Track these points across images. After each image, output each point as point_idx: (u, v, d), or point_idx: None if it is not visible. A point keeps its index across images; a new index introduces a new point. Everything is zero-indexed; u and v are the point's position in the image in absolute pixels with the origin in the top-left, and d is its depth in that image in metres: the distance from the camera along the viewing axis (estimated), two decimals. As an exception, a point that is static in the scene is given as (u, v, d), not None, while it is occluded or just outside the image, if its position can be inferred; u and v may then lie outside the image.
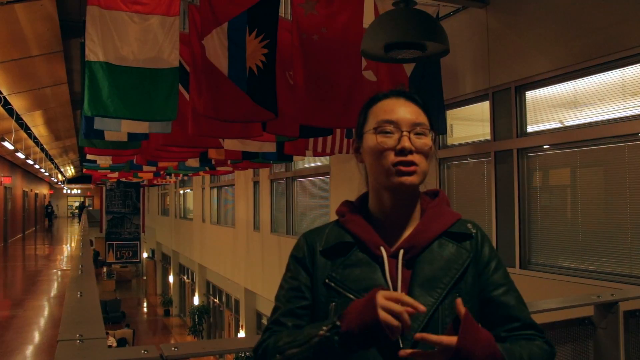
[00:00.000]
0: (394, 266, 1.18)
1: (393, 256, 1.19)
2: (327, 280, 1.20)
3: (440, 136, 5.43)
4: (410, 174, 1.18)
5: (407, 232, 1.24)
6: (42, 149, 16.70)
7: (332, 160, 8.22)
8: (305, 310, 1.23)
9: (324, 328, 1.08)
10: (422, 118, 1.22)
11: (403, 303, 1.03)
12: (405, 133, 1.19)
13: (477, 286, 1.21)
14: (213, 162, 7.95)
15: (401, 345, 1.11)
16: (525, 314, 1.21)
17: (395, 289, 1.16)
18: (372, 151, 1.22)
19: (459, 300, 1.10)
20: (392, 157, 1.18)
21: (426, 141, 1.20)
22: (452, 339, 1.05)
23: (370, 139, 1.22)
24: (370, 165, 1.24)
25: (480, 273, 1.22)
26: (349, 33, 4.03)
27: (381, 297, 1.04)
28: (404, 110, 1.22)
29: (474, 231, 1.25)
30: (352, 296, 1.16)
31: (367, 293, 1.11)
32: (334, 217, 1.34)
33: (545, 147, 4.57)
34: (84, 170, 13.70)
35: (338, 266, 1.21)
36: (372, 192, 1.28)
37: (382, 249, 1.19)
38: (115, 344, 15.74)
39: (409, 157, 1.18)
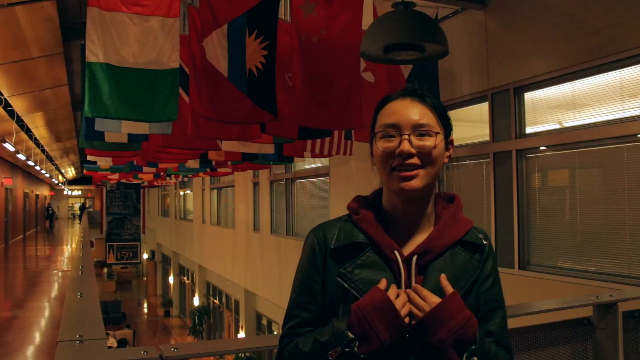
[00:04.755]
0: (406, 271, 1.17)
1: (405, 261, 1.18)
2: (337, 278, 1.19)
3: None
4: (410, 178, 1.16)
5: (420, 236, 1.22)
6: (43, 151, 16.71)
7: (332, 162, 8.23)
8: (319, 315, 1.22)
9: (339, 347, 1.09)
10: (428, 118, 1.19)
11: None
12: (405, 136, 1.16)
13: (476, 297, 1.21)
14: (213, 164, 7.96)
15: (410, 348, 1.12)
16: (503, 335, 1.22)
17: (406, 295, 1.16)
18: (376, 156, 1.21)
19: (443, 278, 1.13)
20: (393, 162, 1.17)
21: (429, 142, 1.17)
22: (437, 298, 1.10)
23: (375, 144, 1.21)
24: (378, 170, 1.23)
25: (479, 284, 1.22)
26: (348, 35, 4.04)
27: (400, 306, 1.08)
28: (408, 112, 1.19)
29: (485, 242, 1.25)
30: (360, 297, 1.15)
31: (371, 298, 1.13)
32: (333, 217, 1.33)
33: (544, 148, 4.58)
34: (85, 171, 13.70)
35: (349, 265, 1.19)
36: (385, 191, 1.26)
37: (397, 253, 1.17)
38: (115, 345, 15.75)
39: (410, 161, 1.16)
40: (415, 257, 1.17)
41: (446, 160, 1.24)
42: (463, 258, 1.20)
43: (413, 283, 1.16)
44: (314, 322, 1.21)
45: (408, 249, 1.20)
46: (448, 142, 1.24)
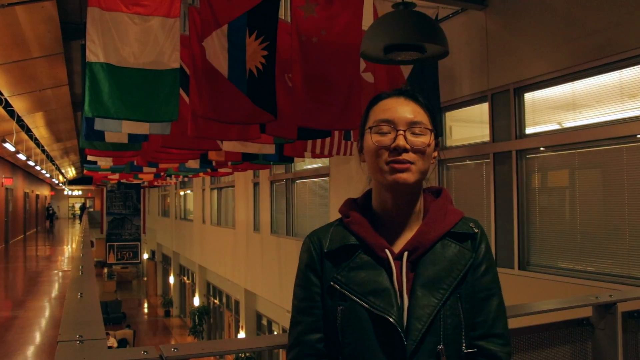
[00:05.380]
0: (399, 268, 1.19)
1: (397, 258, 1.20)
2: (332, 283, 1.21)
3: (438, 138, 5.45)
4: (403, 171, 1.18)
5: (410, 233, 1.24)
6: (43, 151, 16.71)
7: (332, 162, 8.23)
8: (322, 318, 1.24)
9: None
10: (421, 117, 1.22)
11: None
12: (400, 132, 1.19)
13: (472, 285, 1.22)
14: (213, 164, 7.96)
15: (405, 343, 1.13)
16: (496, 323, 1.22)
17: (400, 291, 1.17)
18: (369, 150, 1.23)
19: None
20: (386, 156, 1.19)
21: (423, 140, 1.20)
22: None
23: (368, 138, 1.23)
24: (368, 164, 1.25)
25: (472, 271, 1.23)
26: (348, 35, 4.05)
27: None
28: (402, 109, 1.22)
29: (476, 230, 1.26)
30: (357, 299, 1.17)
31: (373, 296, 1.14)
32: (333, 218, 1.34)
33: (543, 148, 4.59)
34: (85, 171, 13.70)
35: (343, 268, 1.21)
36: (374, 191, 1.28)
37: (388, 251, 1.19)
38: (116, 345, 15.75)
39: (404, 156, 1.18)
40: (406, 254, 1.19)
41: (433, 160, 1.26)
42: (453, 249, 1.21)
43: (404, 280, 1.18)
44: (318, 325, 1.23)
45: (399, 247, 1.22)
46: (436, 143, 1.26)
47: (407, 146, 1.19)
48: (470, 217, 1.29)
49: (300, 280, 1.27)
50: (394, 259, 1.19)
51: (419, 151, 1.19)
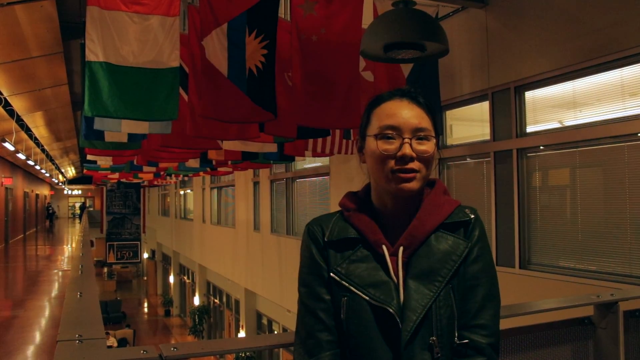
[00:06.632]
0: (395, 263, 1.20)
1: (394, 253, 1.21)
2: (331, 274, 1.23)
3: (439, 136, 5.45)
4: (409, 180, 1.19)
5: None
6: (43, 150, 16.71)
7: (332, 161, 8.22)
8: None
9: None
10: (426, 122, 1.23)
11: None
12: (406, 140, 1.20)
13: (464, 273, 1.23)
14: (213, 163, 7.95)
15: (401, 331, 1.15)
16: (483, 312, 1.20)
17: (397, 284, 1.19)
18: (373, 156, 1.23)
19: None
20: (392, 164, 1.20)
21: (428, 147, 1.21)
22: None
23: (372, 144, 1.23)
24: (371, 168, 1.25)
25: (465, 259, 1.23)
26: (348, 34, 4.03)
27: None
28: (407, 115, 1.22)
29: (472, 216, 1.26)
30: (357, 291, 1.19)
31: (373, 288, 1.17)
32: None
33: (544, 147, 4.58)
34: (85, 171, 13.70)
35: (344, 260, 1.23)
36: (374, 190, 1.29)
37: (384, 247, 1.21)
38: (115, 344, 15.75)
39: (409, 165, 1.19)
40: (401, 249, 1.20)
41: (435, 161, 1.27)
42: (448, 240, 1.22)
43: (401, 274, 1.19)
44: (332, 312, 1.23)
45: (397, 243, 1.24)
46: (437, 144, 1.28)
47: (414, 154, 1.20)
48: (467, 205, 1.29)
49: (308, 268, 1.27)
50: (390, 255, 1.20)
51: (425, 159, 1.21)
